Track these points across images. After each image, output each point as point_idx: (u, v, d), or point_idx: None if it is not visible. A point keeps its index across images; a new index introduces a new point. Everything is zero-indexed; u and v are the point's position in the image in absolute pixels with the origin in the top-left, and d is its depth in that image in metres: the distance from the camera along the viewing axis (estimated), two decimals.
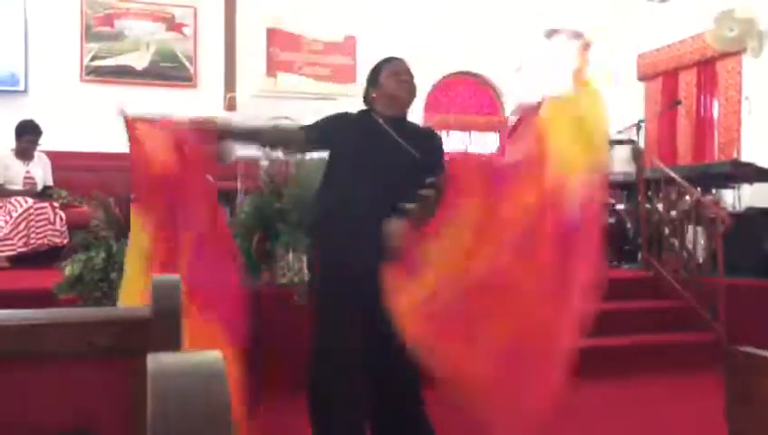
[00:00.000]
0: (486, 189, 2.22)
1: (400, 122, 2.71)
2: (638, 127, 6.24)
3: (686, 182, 5.19)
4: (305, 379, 2.59)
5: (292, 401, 2.66)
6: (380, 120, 2.68)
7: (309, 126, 2.75)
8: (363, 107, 2.77)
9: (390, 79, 2.69)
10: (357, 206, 2.53)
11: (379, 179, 2.55)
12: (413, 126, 2.80)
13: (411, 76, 2.74)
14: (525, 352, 2.01)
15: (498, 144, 9.63)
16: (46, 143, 5.69)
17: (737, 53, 7.16)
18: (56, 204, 5.26)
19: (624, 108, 8.22)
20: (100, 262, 3.51)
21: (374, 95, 2.71)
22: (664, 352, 4.65)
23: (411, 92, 2.73)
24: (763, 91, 6.79)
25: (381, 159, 2.61)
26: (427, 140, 2.77)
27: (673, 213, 5.48)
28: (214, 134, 2.56)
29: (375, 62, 2.84)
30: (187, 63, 8.10)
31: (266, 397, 3.10)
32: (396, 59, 2.80)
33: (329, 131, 2.70)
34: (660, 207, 5.65)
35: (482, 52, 8.94)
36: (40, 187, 5.52)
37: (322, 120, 2.75)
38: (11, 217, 5.05)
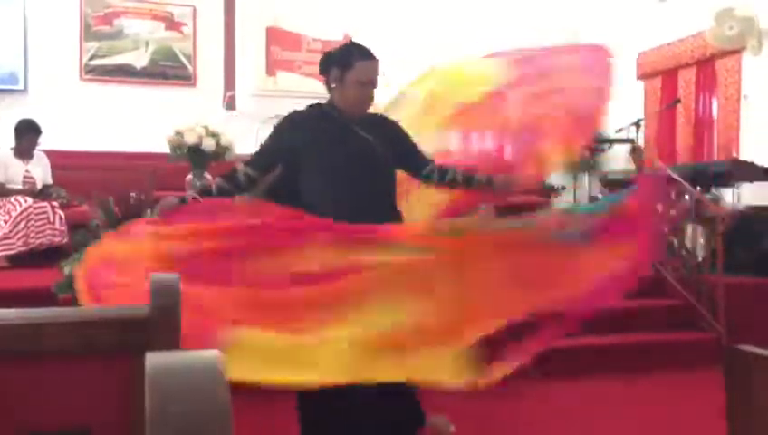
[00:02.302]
0: None
1: (363, 117, 2.63)
2: (638, 126, 6.24)
3: (685, 181, 5.18)
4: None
5: (289, 397, 2.66)
6: (343, 119, 2.60)
7: (252, 159, 2.61)
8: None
9: (356, 86, 2.55)
10: (341, 215, 2.39)
11: (355, 183, 2.49)
12: (370, 117, 2.68)
13: (377, 84, 2.60)
14: None
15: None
16: (46, 142, 5.69)
17: (737, 52, 7.16)
18: (56, 203, 5.26)
19: (623, 107, 8.23)
20: None
21: (333, 85, 2.60)
22: (664, 350, 4.65)
23: (370, 102, 2.62)
24: (763, 90, 6.78)
25: (352, 160, 2.52)
26: (385, 127, 2.68)
27: (673, 212, 5.48)
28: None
29: (347, 50, 2.64)
30: (186, 62, 8.10)
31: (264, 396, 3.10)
32: (371, 58, 2.59)
33: (280, 145, 2.59)
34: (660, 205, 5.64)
35: (482, 51, 8.92)
36: (39, 186, 5.51)
37: (269, 140, 2.62)
38: (10, 216, 5.04)
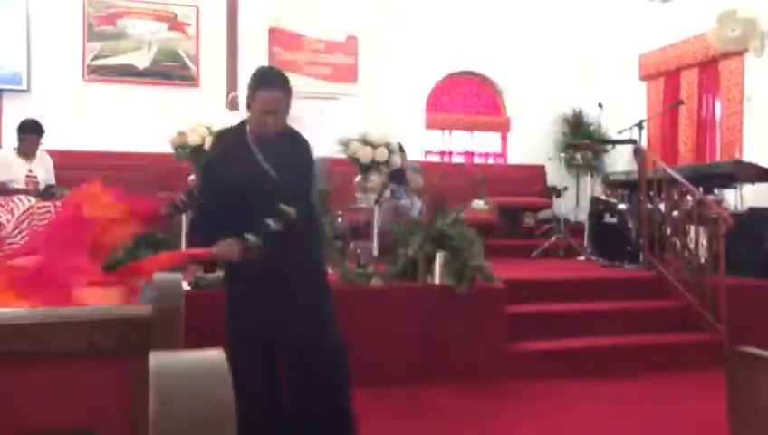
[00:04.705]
0: None
1: (271, 138, 2.67)
2: (640, 127, 6.22)
3: (688, 182, 5.18)
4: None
5: None
6: (248, 137, 2.69)
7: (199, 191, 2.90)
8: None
9: (258, 113, 2.63)
10: (226, 228, 2.56)
11: (239, 203, 2.60)
12: (284, 140, 2.70)
13: (277, 110, 2.63)
14: None
15: (500, 144, 9.64)
16: (49, 142, 5.69)
17: (739, 53, 7.15)
18: (59, 203, 5.27)
19: (626, 108, 8.23)
20: None
21: (247, 105, 2.71)
22: (665, 351, 4.65)
23: (274, 128, 2.66)
24: (766, 91, 6.77)
25: (239, 181, 2.63)
26: (296, 156, 2.71)
27: (675, 213, 5.47)
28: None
29: (259, 76, 2.71)
30: (189, 63, 8.11)
31: None
32: (273, 88, 2.64)
33: (210, 174, 2.82)
34: (662, 207, 5.64)
35: (484, 51, 8.94)
36: (42, 186, 5.52)
37: (202, 168, 2.94)
38: (13, 215, 5.05)
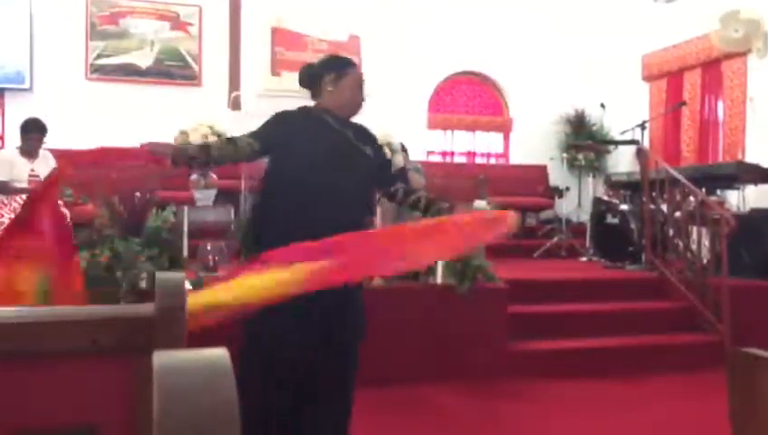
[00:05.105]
0: None
1: (347, 121, 2.78)
2: (643, 127, 6.21)
3: (690, 183, 5.18)
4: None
5: None
6: (331, 121, 2.71)
7: (257, 133, 2.68)
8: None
9: (356, 90, 2.77)
10: (315, 223, 2.32)
11: (338, 191, 2.56)
12: (355, 124, 2.84)
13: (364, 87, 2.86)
14: None
15: (502, 144, 9.64)
16: (51, 141, 5.70)
17: (742, 54, 7.14)
18: (60, 202, 5.27)
19: (628, 108, 8.23)
20: (106, 260, 3.52)
21: (330, 88, 2.72)
22: (667, 352, 4.65)
23: (362, 103, 2.83)
24: None
25: (340, 166, 2.60)
26: (369, 137, 2.84)
27: (677, 214, 5.47)
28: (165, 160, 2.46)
29: (339, 59, 2.98)
30: (191, 62, 8.12)
31: None
32: (356, 65, 2.89)
33: (277, 135, 2.67)
34: (665, 207, 5.64)
35: (486, 51, 8.93)
36: None
37: (266, 124, 2.72)
38: (15, 214, 5.06)
